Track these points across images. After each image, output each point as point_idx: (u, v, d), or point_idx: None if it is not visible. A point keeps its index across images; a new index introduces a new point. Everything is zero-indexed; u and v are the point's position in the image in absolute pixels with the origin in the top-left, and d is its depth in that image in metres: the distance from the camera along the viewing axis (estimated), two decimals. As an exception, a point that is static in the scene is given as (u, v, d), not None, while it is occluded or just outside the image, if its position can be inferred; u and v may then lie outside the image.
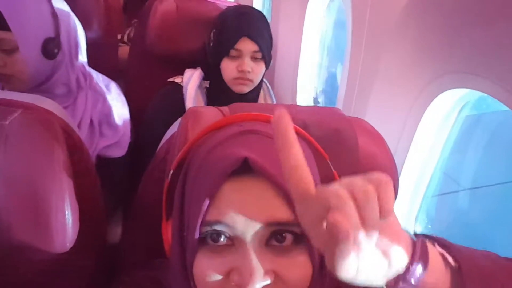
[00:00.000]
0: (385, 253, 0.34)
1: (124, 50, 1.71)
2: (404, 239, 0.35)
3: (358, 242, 0.30)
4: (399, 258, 0.34)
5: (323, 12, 1.42)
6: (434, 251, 0.37)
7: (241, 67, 1.06)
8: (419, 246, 0.36)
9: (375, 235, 0.32)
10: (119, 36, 1.97)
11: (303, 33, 1.44)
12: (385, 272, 0.34)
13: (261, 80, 1.15)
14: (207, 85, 1.16)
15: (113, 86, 1.09)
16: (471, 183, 1.48)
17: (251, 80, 1.09)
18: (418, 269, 0.35)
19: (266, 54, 1.08)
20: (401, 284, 0.35)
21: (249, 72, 1.07)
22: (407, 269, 0.35)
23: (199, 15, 1.31)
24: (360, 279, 0.33)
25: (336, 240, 0.30)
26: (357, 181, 0.31)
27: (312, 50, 1.49)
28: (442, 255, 0.38)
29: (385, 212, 0.30)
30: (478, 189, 1.56)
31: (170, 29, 1.30)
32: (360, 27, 0.92)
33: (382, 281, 0.35)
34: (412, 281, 0.35)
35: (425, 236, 0.39)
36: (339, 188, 0.30)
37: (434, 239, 0.40)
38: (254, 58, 1.08)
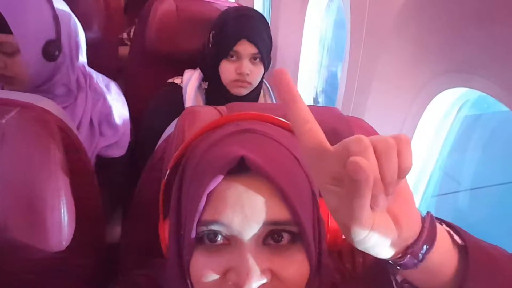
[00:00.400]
0: (396, 220, 0.33)
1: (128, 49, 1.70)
2: (414, 212, 0.35)
3: (375, 194, 0.30)
4: (409, 228, 0.34)
5: (322, 11, 1.42)
6: (442, 228, 0.37)
7: (240, 69, 1.06)
8: (428, 221, 0.35)
9: (390, 194, 0.31)
10: (125, 35, 1.97)
11: (303, 33, 1.43)
12: (394, 241, 0.34)
13: (261, 81, 1.14)
14: (206, 86, 1.16)
15: (113, 86, 1.09)
16: (470, 183, 1.48)
17: (249, 83, 1.09)
18: (426, 243, 0.34)
19: (265, 57, 1.08)
20: (408, 258, 0.34)
21: (247, 74, 1.06)
22: (416, 242, 0.34)
23: (199, 15, 1.31)
24: (370, 242, 0.33)
25: (354, 187, 0.29)
26: (378, 136, 0.31)
27: (312, 49, 1.49)
28: (448, 232, 0.38)
29: (402, 170, 0.30)
30: (477, 189, 1.56)
31: (170, 29, 1.30)
32: (359, 26, 0.92)
33: (389, 253, 0.35)
34: (420, 256, 0.34)
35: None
36: (360, 136, 0.30)
37: (441, 220, 0.40)
38: (253, 61, 1.07)
